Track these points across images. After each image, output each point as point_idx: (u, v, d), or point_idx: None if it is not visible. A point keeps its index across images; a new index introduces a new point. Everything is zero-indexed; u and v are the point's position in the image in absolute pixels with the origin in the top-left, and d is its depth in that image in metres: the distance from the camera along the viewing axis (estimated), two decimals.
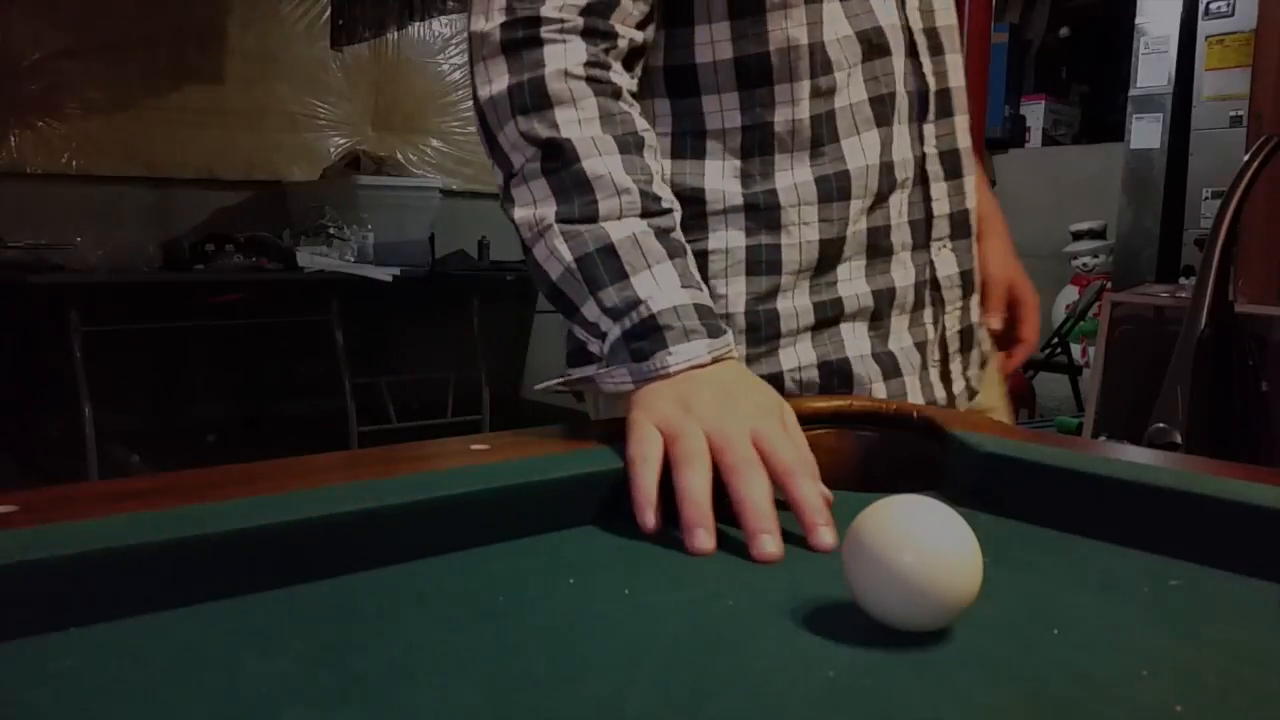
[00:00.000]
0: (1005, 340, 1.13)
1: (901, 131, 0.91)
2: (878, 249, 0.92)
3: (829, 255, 0.89)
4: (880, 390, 0.91)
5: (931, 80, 0.93)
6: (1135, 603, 0.52)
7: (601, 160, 0.77)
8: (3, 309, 3.66)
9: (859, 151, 0.89)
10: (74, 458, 3.42)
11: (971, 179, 0.99)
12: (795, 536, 0.60)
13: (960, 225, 0.98)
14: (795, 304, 0.89)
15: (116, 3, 4.05)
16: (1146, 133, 3.99)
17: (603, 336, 0.75)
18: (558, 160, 0.77)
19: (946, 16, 0.95)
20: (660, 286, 0.73)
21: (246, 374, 4.50)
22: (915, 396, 0.93)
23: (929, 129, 0.93)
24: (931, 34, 0.93)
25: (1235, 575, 0.55)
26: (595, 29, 0.80)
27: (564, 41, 0.79)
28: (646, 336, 0.72)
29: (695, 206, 0.86)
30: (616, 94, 0.80)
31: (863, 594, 0.47)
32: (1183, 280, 3.61)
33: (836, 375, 0.90)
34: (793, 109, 0.87)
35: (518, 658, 0.44)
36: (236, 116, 4.37)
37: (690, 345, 0.71)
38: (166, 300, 3.91)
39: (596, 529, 0.62)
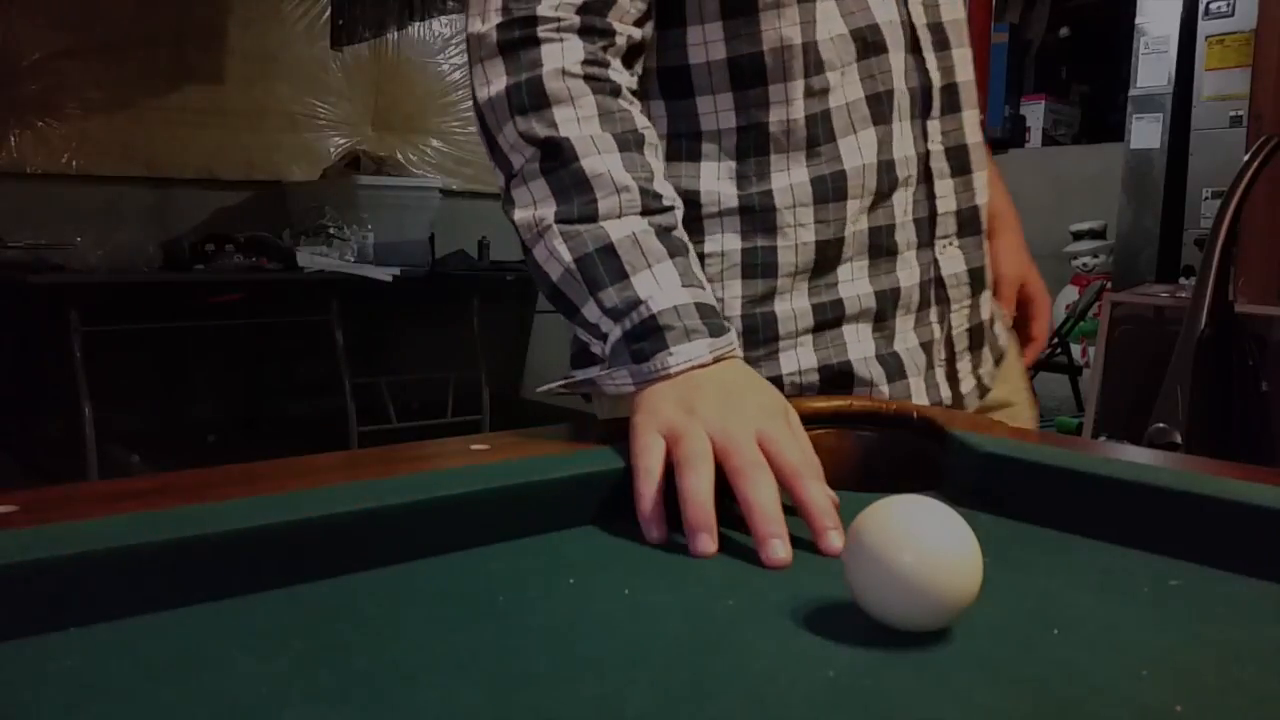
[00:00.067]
0: (1018, 338, 1.12)
1: (903, 129, 0.90)
2: (881, 248, 0.91)
3: (828, 256, 0.89)
4: (884, 393, 0.90)
5: (936, 75, 0.92)
6: (1135, 603, 0.52)
7: (601, 159, 0.76)
8: (3, 309, 3.66)
9: (856, 151, 0.88)
10: (74, 458, 3.42)
11: (982, 174, 0.98)
12: (800, 540, 0.59)
13: (969, 222, 0.96)
14: (794, 306, 0.89)
15: (116, 3, 4.05)
16: (1146, 133, 3.98)
17: (604, 338, 0.74)
18: (556, 160, 0.77)
19: (953, 11, 0.94)
20: (661, 286, 0.72)
21: (246, 374, 4.50)
22: (920, 398, 0.92)
23: (933, 125, 0.92)
24: (937, 29, 0.92)
25: (1235, 575, 0.55)
26: (592, 27, 0.80)
27: (561, 40, 0.79)
28: (647, 337, 0.71)
29: (691, 210, 0.86)
30: (615, 92, 0.80)
31: (863, 594, 0.47)
32: (1183, 280, 3.61)
33: (838, 378, 0.89)
34: (787, 109, 0.86)
35: (518, 658, 0.44)
36: (236, 116, 4.37)
37: (691, 345, 0.70)
38: (166, 300, 3.91)
39: (596, 529, 0.62)
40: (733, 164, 0.88)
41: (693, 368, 0.69)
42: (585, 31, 0.80)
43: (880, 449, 0.78)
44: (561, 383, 0.80)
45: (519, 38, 0.79)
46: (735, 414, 0.64)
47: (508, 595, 0.51)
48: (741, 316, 0.87)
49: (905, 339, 0.92)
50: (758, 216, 0.88)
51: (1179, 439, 2.46)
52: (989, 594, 0.47)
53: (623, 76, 0.82)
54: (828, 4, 0.86)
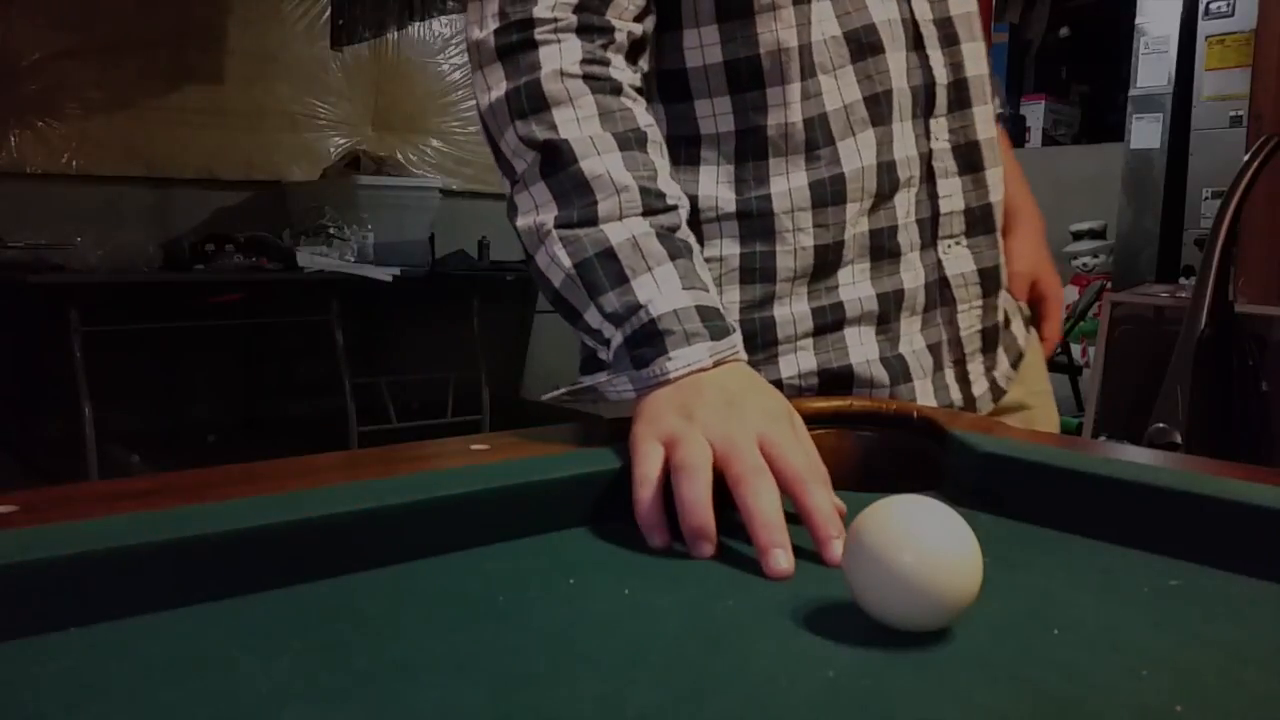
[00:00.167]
0: None
1: (904, 129, 0.89)
2: (883, 250, 0.90)
3: (827, 260, 0.88)
4: (887, 395, 0.89)
5: (944, 72, 0.91)
6: (1135, 603, 0.52)
7: (600, 159, 0.75)
8: (3, 309, 3.66)
9: (855, 153, 0.87)
10: (74, 458, 3.42)
11: (996, 171, 0.96)
12: (802, 547, 0.58)
13: (980, 221, 0.95)
14: (793, 311, 0.88)
15: (116, 3, 4.05)
16: (1146, 133, 3.98)
17: (607, 343, 0.73)
18: (556, 163, 0.76)
19: (963, 4, 0.92)
20: (661, 289, 0.71)
21: (246, 374, 4.50)
22: (927, 400, 0.90)
23: (939, 123, 0.91)
24: (945, 24, 0.91)
25: (1235, 575, 0.55)
26: (590, 25, 0.79)
27: (559, 41, 0.78)
28: (647, 342, 0.70)
29: (689, 215, 0.85)
30: (616, 90, 0.79)
31: (863, 594, 0.47)
32: (1183, 280, 3.61)
33: (839, 381, 0.88)
34: (785, 112, 0.86)
35: (518, 658, 0.44)
36: (236, 116, 4.37)
37: (691, 349, 0.69)
38: (166, 300, 3.91)
39: (597, 529, 0.62)
40: (731, 168, 0.87)
41: (693, 372, 0.68)
42: (583, 30, 0.79)
43: (880, 449, 0.78)
44: (565, 390, 0.79)
45: (517, 41, 0.78)
46: (736, 418, 0.63)
47: (507, 595, 0.51)
48: (740, 321, 0.86)
49: (911, 341, 0.91)
50: (756, 222, 0.87)
51: (1179, 439, 2.46)
52: (989, 594, 0.47)
53: (624, 74, 0.81)
54: (823, 5, 0.85)
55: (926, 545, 0.45)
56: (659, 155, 0.79)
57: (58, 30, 3.93)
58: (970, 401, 0.96)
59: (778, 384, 0.86)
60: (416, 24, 4.60)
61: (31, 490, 0.56)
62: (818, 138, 0.86)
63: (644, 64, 0.85)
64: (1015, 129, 4.95)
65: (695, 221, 0.86)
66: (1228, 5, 3.65)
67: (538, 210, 0.77)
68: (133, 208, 4.16)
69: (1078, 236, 4.47)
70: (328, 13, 4.44)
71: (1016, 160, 1.17)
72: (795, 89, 0.85)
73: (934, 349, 0.92)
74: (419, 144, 4.85)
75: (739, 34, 0.85)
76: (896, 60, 0.88)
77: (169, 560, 0.48)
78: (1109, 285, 3.97)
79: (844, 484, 0.66)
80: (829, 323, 0.89)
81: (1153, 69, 3.96)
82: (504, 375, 4.82)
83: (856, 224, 0.88)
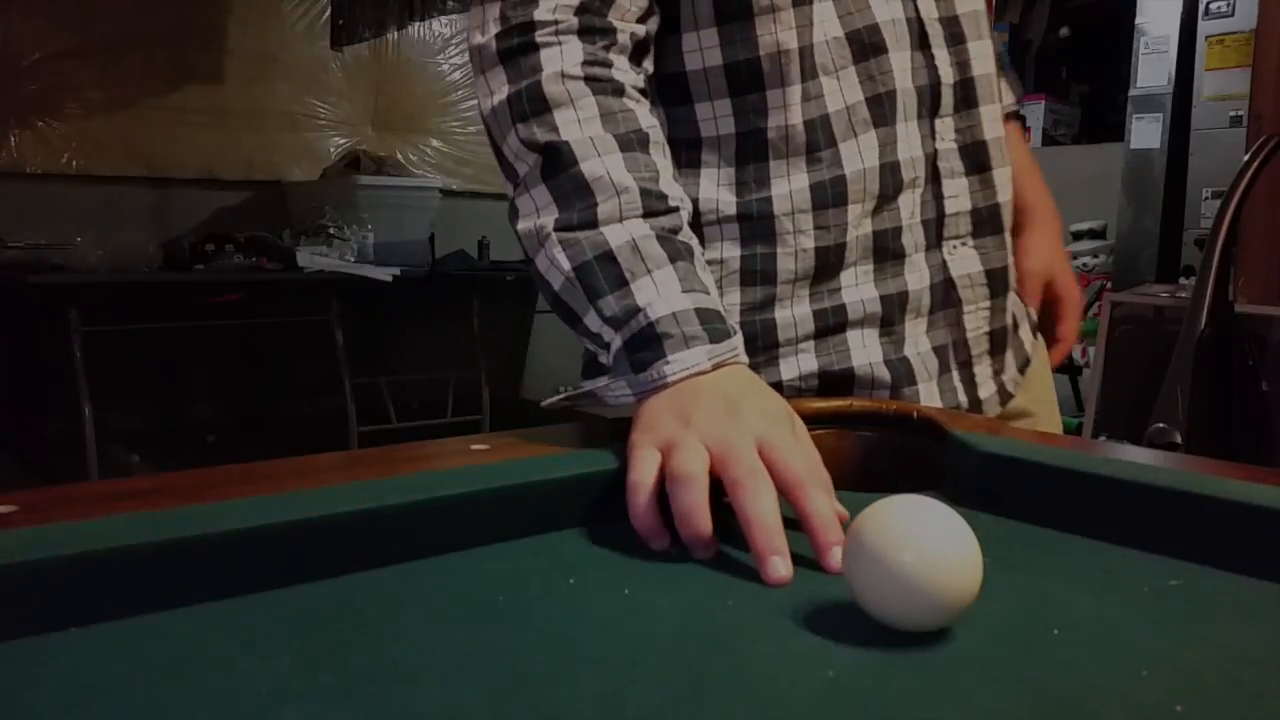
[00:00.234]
0: (1044, 338, 1.08)
1: (908, 129, 0.88)
2: (886, 252, 0.89)
3: (829, 262, 0.87)
4: (888, 397, 0.88)
5: (950, 71, 0.90)
6: (1135, 603, 0.52)
7: (600, 161, 0.75)
8: (3, 309, 3.66)
9: (857, 155, 0.86)
10: (74, 458, 3.42)
11: (1004, 171, 0.95)
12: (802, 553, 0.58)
13: (987, 221, 0.93)
14: (794, 313, 0.87)
15: (116, 3, 4.05)
16: (1146, 133, 3.98)
17: (606, 347, 0.73)
18: (557, 164, 0.75)
19: (970, 2, 0.91)
20: (660, 293, 0.70)
21: (247, 374, 4.50)
22: (933, 403, 0.89)
23: (945, 123, 0.90)
24: (951, 22, 0.90)
25: (1235, 575, 0.55)
26: (592, 27, 0.79)
27: (560, 44, 0.77)
28: (646, 346, 0.69)
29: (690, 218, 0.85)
30: (619, 91, 0.78)
31: (863, 594, 0.47)
32: (1183, 280, 3.61)
33: (840, 383, 0.88)
34: (785, 114, 0.85)
35: (518, 658, 0.44)
36: (236, 116, 4.37)
37: (690, 353, 0.68)
38: (166, 300, 3.91)
39: (597, 529, 0.62)
40: (732, 171, 0.87)
41: (691, 375, 0.67)
42: (585, 32, 0.78)
43: (880, 449, 0.78)
44: (564, 396, 0.79)
45: (518, 45, 0.78)
46: (734, 422, 0.62)
47: (507, 595, 0.51)
48: (741, 324, 0.85)
49: (917, 343, 0.90)
50: (756, 224, 0.87)
51: (1179, 439, 2.46)
52: (989, 594, 0.47)
53: (627, 75, 0.80)
54: (825, 5, 0.84)
55: (926, 545, 0.45)
56: (661, 156, 0.78)
57: (58, 30, 3.94)
58: (976, 405, 0.94)
59: (778, 386, 0.86)
60: (416, 24, 4.60)
61: (31, 490, 0.56)
62: (819, 139, 0.86)
63: (648, 65, 0.84)
64: None
65: (696, 224, 0.85)
66: (1228, 5, 3.65)
67: (538, 213, 0.76)
68: (133, 208, 4.17)
69: (1078, 236, 4.47)
70: (328, 13, 4.44)
71: (1030, 155, 1.15)
72: (796, 91, 0.85)
73: (940, 351, 0.92)
74: (419, 144, 4.85)
75: (738, 36, 0.84)
76: (900, 60, 0.87)
77: (169, 560, 0.48)
78: (1109, 285, 3.97)
79: (844, 484, 0.66)
80: (831, 325, 0.88)
81: (1153, 69, 3.96)
82: (504, 375, 4.83)
83: (859, 226, 0.88)
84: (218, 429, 4.28)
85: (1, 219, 3.70)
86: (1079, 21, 5.09)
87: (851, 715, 0.40)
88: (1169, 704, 0.40)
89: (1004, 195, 0.95)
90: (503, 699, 0.40)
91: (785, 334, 0.88)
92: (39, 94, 3.93)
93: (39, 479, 3.56)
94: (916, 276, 0.90)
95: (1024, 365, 1.01)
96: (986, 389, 0.95)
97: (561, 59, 0.77)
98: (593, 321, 0.73)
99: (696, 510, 0.57)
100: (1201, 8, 3.73)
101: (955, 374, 0.93)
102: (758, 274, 0.87)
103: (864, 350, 0.88)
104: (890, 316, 0.89)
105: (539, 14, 0.78)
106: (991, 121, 0.93)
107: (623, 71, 0.80)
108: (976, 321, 0.94)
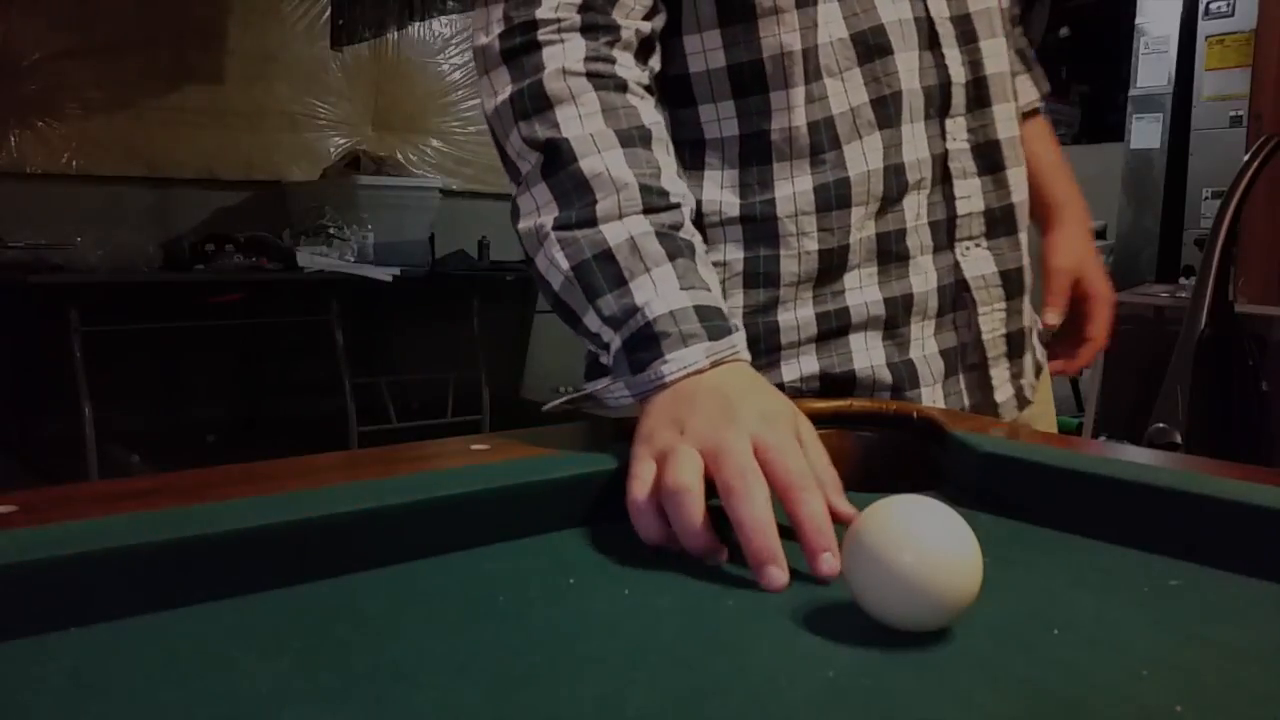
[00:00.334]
0: (1072, 337, 1.06)
1: (914, 131, 0.87)
2: (890, 254, 0.88)
3: (832, 265, 0.87)
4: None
5: (962, 70, 0.89)
6: (1135, 603, 0.52)
7: (600, 157, 0.74)
8: (3, 309, 3.66)
9: (861, 157, 0.86)
10: (74, 458, 3.42)
11: (1018, 171, 0.93)
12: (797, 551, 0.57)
13: (1001, 222, 0.92)
14: (797, 315, 0.87)
15: (116, 3, 4.05)
16: (1146, 133, 3.98)
17: (606, 347, 0.72)
18: (557, 162, 0.75)
19: (983, 0, 0.90)
20: (658, 291, 0.69)
21: (247, 374, 4.50)
22: (937, 406, 0.88)
23: (956, 123, 0.89)
24: (963, 20, 0.89)
25: (1235, 575, 0.55)
26: (595, 24, 0.78)
27: (562, 41, 0.77)
28: (644, 346, 0.68)
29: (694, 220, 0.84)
30: (621, 87, 0.78)
31: (863, 594, 0.47)
32: (1183, 280, 3.60)
33: (841, 385, 0.87)
34: (789, 116, 0.85)
35: (518, 658, 0.44)
36: (236, 116, 4.37)
37: (687, 351, 0.67)
38: (166, 300, 3.91)
39: (597, 529, 0.62)
40: (736, 173, 0.86)
41: (689, 374, 0.66)
42: (588, 29, 0.78)
43: (880, 449, 0.78)
44: (564, 399, 0.78)
45: (520, 44, 0.78)
46: (729, 423, 0.60)
47: (508, 595, 0.51)
48: (744, 326, 0.85)
49: (923, 346, 0.90)
50: (759, 226, 0.86)
51: (1179, 439, 2.47)
52: (989, 594, 0.47)
53: (630, 71, 0.79)
54: (830, 6, 0.84)
55: (926, 545, 0.45)
56: (664, 152, 0.77)
57: (58, 30, 3.94)
58: (993, 408, 0.93)
59: (779, 388, 0.84)
60: (416, 24, 4.61)
61: (31, 490, 0.56)
62: (822, 141, 0.85)
63: (654, 63, 0.83)
64: None
65: (699, 226, 0.85)
66: (1228, 5, 3.65)
67: (538, 212, 0.76)
68: (133, 208, 4.17)
69: None
70: (328, 13, 4.45)
71: (1060, 152, 1.13)
72: (799, 93, 0.84)
73: (947, 354, 0.91)
74: (419, 144, 4.86)
75: (741, 38, 0.84)
76: (907, 61, 0.86)
77: (169, 560, 0.48)
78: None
79: (844, 484, 0.66)
80: (833, 328, 0.88)
81: (1153, 69, 3.96)
82: (504, 375, 4.82)
83: (863, 228, 0.87)
84: (218, 429, 4.28)
85: (1, 219, 3.70)
86: (1079, 21, 5.09)
87: (851, 715, 0.40)
88: (1169, 704, 0.40)
89: (1018, 195, 0.94)
90: (503, 699, 0.40)
91: (788, 336, 0.87)
92: (39, 94, 3.93)
93: (39, 479, 3.56)
94: (922, 279, 0.90)
95: (1037, 372, 1.00)
96: (1003, 392, 0.94)
97: (564, 56, 0.77)
98: (592, 321, 0.73)
99: (690, 525, 0.56)
100: (1201, 8, 3.73)
101: (962, 378, 0.92)
102: (761, 276, 0.87)
103: (866, 353, 0.88)
104: (894, 319, 0.89)
105: (541, 13, 0.77)
106: (1005, 120, 0.92)
107: (626, 68, 0.79)
108: (992, 323, 0.93)
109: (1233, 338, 2.65)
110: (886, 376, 0.88)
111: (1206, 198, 3.72)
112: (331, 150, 4.61)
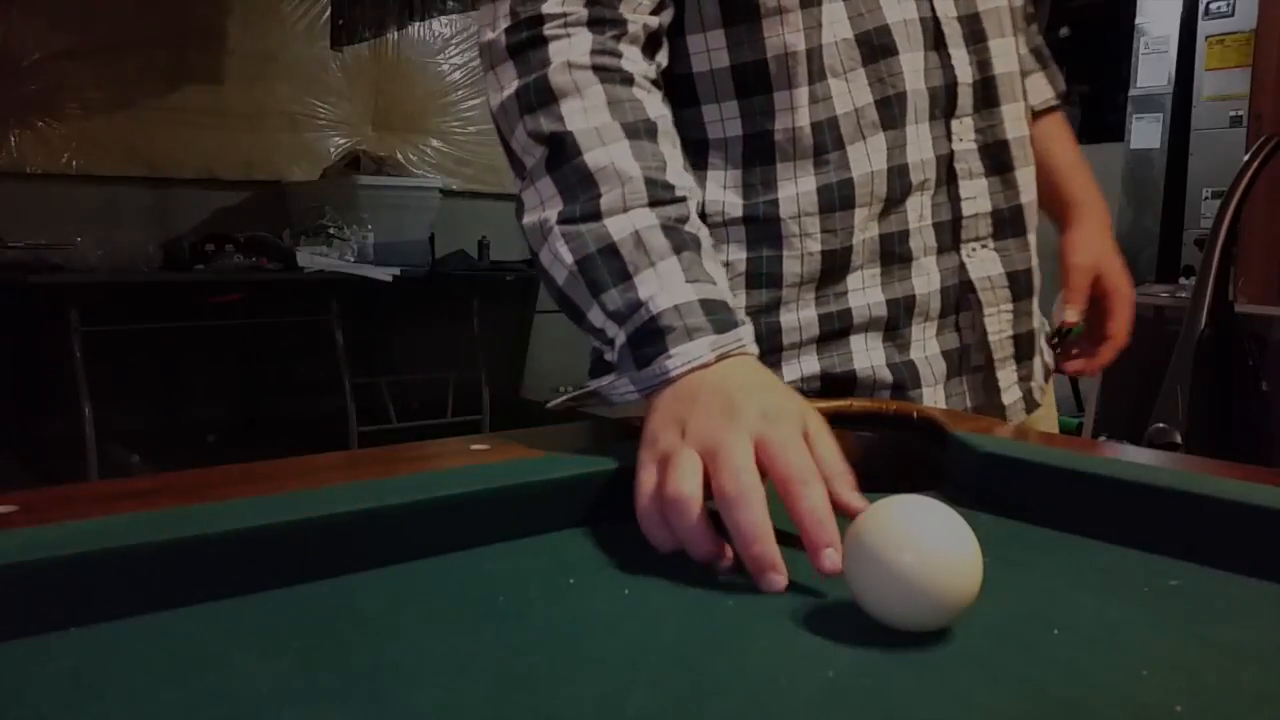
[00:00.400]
0: (1092, 335, 1.05)
1: (919, 132, 0.87)
2: (893, 255, 0.88)
3: (835, 266, 0.87)
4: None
5: (969, 70, 0.88)
6: (1135, 603, 0.52)
7: (605, 150, 0.73)
8: (3, 309, 3.66)
9: (865, 158, 0.85)
10: (74, 458, 3.42)
11: (1027, 171, 0.93)
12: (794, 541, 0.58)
13: (1009, 223, 0.92)
14: (799, 316, 0.87)
15: (116, 3, 4.05)
16: (1146, 133, 3.98)
17: (610, 343, 0.71)
18: (561, 155, 0.74)
19: None
20: (664, 285, 0.68)
21: (246, 374, 4.50)
22: (940, 406, 0.88)
23: (962, 123, 0.89)
24: (971, 20, 0.88)
25: (1235, 575, 0.55)
26: (601, 18, 0.78)
27: (569, 36, 0.77)
28: (649, 341, 0.67)
29: None
30: (627, 80, 0.77)
31: (863, 594, 0.47)
32: (1183, 280, 3.61)
33: (841, 385, 0.87)
34: (793, 117, 0.84)
35: (518, 658, 0.44)
36: (236, 116, 4.37)
37: (692, 345, 0.65)
38: (166, 300, 3.91)
39: (597, 529, 0.62)
40: (739, 173, 0.86)
41: (694, 369, 0.65)
42: (594, 23, 0.77)
43: (880, 449, 0.78)
44: (568, 396, 0.77)
45: (527, 39, 0.77)
46: (729, 424, 0.58)
47: (508, 595, 0.51)
48: None
49: (924, 347, 0.89)
50: (763, 227, 0.86)
51: (1179, 439, 2.47)
52: (989, 594, 0.47)
53: (637, 65, 0.79)
54: (834, 6, 0.84)
55: (926, 545, 0.45)
56: (670, 146, 0.76)
57: (58, 30, 3.94)
58: (999, 409, 0.93)
59: None
60: (416, 24, 4.60)
61: (31, 490, 0.56)
62: (826, 142, 0.85)
63: (661, 59, 0.83)
64: None
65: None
66: (1228, 5, 3.65)
67: (543, 206, 0.75)
68: (133, 208, 4.17)
69: None
70: (328, 13, 4.45)
71: (1079, 150, 1.13)
72: (803, 93, 0.84)
73: (949, 355, 0.90)
74: (419, 144, 4.85)
75: (745, 38, 0.84)
76: (912, 61, 0.86)
77: (169, 560, 0.48)
78: None
79: None
80: (835, 329, 0.87)
81: (1153, 69, 3.96)
82: (504, 375, 4.82)
83: (865, 229, 0.87)
84: (218, 429, 4.28)
85: (1, 219, 3.70)
86: (1079, 21, 5.09)
87: (851, 715, 0.40)
88: (1169, 704, 0.40)
89: (1027, 196, 0.93)
90: (503, 699, 0.40)
91: (789, 337, 0.87)
92: (39, 94, 3.93)
93: (39, 479, 3.56)
94: (924, 280, 0.89)
95: (1046, 375, 1.00)
96: (1010, 394, 0.94)
97: (570, 50, 0.76)
98: (596, 317, 0.72)
99: (691, 535, 0.55)
100: (1201, 8, 3.73)
101: (966, 379, 0.92)
102: (764, 277, 0.86)
103: (866, 353, 0.88)
104: (896, 320, 0.88)
105: (548, 7, 0.77)
106: (1014, 121, 0.91)
107: (633, 61, 0.79)
108: (999, 325, 0.92)
109: (1233, 338, 2.66)
110: (887, 376, 0.88)
111: (1206, 198, 3.72)
112: (331, 150, 4.61)
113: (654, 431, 0.62)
